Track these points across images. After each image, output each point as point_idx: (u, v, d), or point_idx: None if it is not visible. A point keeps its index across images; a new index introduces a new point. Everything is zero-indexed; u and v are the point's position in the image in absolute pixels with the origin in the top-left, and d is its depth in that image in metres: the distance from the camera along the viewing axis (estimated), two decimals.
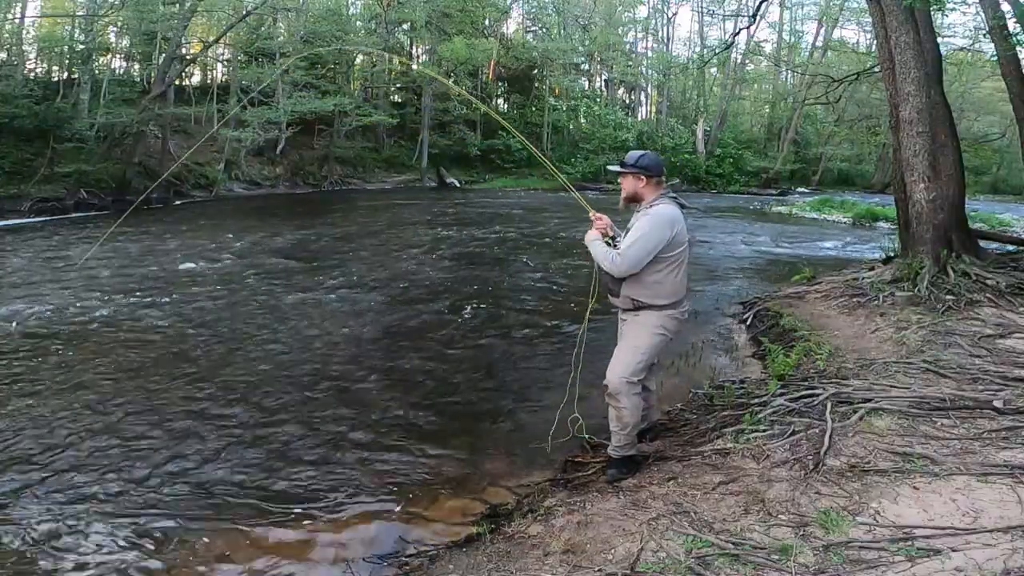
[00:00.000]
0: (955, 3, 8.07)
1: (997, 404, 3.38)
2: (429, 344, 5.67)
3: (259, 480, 3.32)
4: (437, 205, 18.82)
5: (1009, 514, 2.41)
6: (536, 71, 31.39)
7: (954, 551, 2.20)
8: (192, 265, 8.78)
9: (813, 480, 2.79)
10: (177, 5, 18.24)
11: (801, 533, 2.40)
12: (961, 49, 19.45)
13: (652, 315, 3.05)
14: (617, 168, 3.14)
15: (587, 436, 3.52)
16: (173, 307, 6.62)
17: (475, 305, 7.01)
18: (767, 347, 5.14)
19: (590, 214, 3.19)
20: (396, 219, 14.77)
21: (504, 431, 4.01)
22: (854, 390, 3.71)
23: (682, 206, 3.09)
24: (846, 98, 22.71)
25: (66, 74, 20.75)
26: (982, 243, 7.49)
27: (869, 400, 3.52)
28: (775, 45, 34.86)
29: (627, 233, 3.09)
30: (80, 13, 19.26)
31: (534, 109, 31.34)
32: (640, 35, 36.31)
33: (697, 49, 34.01)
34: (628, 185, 3.10)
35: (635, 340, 3.08)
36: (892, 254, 7.49)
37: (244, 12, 19.84)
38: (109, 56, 21.38)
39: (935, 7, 6.91)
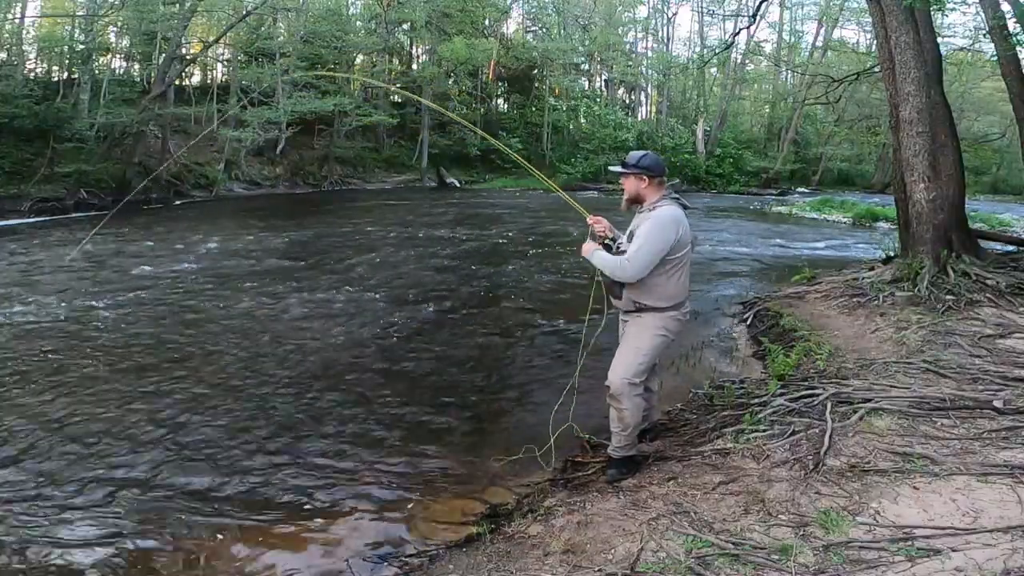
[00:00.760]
0: (955, 3, 8.09)
1: (997, 404, 3.38)
2: (429, 344, 5.67)
3: (258, 480, 3.32)
4: (437, 205, 18.82)
5: (1009, 514, 2.41)
6: (536, 71, 31.40)
7: (954, 551, 2.21)
8: (192, 265, 8.78)
9: (813, 480, 2.79)
10: (177, 5, 18.24)
11: (801, 533, 2.40)
12: (961, 49, 19.48)
13: (654, 317, 3.04)
14: (619, 169, 3.11)
15: (587, 436, 3.52)
16: (171, 306, 6.61)
17: (475, 305, 7.01)
18: (767, 347, 5.14)
19: (587, 218, 3.16)
20: (396, 219, 14.77)
21: (504, 431, 4.01)
22: (854, 390, 3.71)
23: (684, 207, 3.08)
24: (846, 98, 22.73)
25: (66, 74, 20.76)
26: (982, 243, 7.50)
27: (869, 400, 3.52)
28: (775, 45, 34.94)
29: (630, 234, 3.08)
30: (80, 13, 19.26)
31: (534, 109, 31.35)
32: (640, 35, 36.33)
33: (697, 49, 34.08)
34: (630, 186, 3.08)
35: (637, 341, 3.07)
36: (892, 254, 7.50)
37: (244, 12, 19.86)
38: (109, 56, 21.39)
39: (935, 7, 6.91)
